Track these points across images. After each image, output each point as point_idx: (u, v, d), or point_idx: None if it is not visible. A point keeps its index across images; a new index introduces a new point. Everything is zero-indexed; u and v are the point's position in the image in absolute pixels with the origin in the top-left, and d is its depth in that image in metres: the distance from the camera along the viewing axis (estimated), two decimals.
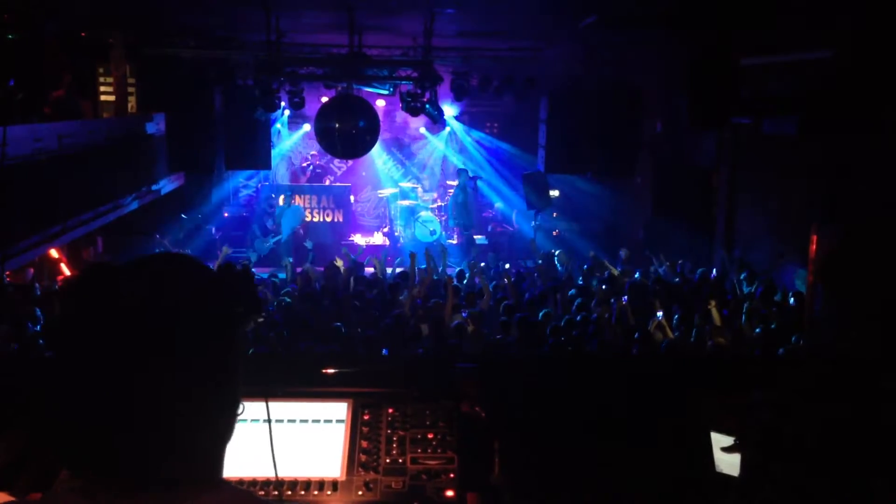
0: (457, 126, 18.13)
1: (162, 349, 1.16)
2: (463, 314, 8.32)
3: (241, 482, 2.26)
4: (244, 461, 2.23)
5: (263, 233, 16.22)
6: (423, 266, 10.84)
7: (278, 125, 17.24)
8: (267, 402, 1.42)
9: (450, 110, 17.03)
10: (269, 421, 1.60)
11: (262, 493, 2.25)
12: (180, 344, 1.18)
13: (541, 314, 8.58)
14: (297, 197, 16.63)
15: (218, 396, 1.24)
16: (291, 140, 18.03)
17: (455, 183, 17.30)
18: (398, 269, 11.29)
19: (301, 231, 16.02)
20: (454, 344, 7.34)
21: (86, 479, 1.19)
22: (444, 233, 16.70)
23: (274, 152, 15.94)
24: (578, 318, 8.32)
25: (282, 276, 11.03)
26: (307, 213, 16.50)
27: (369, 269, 11.67)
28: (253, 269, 11.87)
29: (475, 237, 16.78)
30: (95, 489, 1.17)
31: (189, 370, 1.18)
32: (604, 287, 9.76)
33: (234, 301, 1.27)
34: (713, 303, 8.26)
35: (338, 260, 11.56)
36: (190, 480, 1.21)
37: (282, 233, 15.68)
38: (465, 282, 10.55)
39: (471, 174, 16.51)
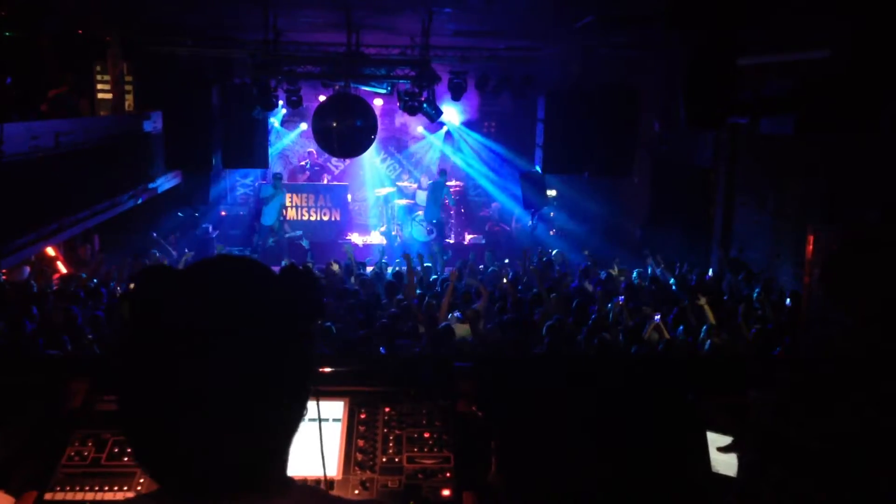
0: (454, 126, 18.11)
1: (227, 350, 1.16)
2: (457, 314, 8.31)
3: None
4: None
5: (262, 231, 16.24)
6: (419, 267, 10.86)
7: (273, 120, 17.21)
8: (318, 401, 1.42)
9: (451, 111, 17.02)
10: (318, 420, 1.59)
11: None
12: (246, 344, 1.18)
13: (537, 314, 8.58)
14: (294, 196, 16.61)
15: (288, 398, 1.24)
16: (288, 138, 18.01)
17: (454, 184, 17.39)
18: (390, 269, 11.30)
19: (286, 226, 16.02)
20: (451, 343, 7.34)
21: (164, 483, 1.20)
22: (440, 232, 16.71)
23: (270, 150, 15.89)
24: (574, 318, 8.32)
25: None
26: (304, 211, 16.49)
27: (370, 269, 11.69)
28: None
29: (469, 236, 16.81)
30: (173, 494, 1.19)
31: (255, 371, 1.18)
32: (600, 288, 9.77)
33: (300, 303, 1.27)
34: (703, 299, 8.26)
35: (333, 264, 11.56)
36: (264, 481, 1.22)
37: (264, 217, 15.64)
38: (462, 281, 10.55)
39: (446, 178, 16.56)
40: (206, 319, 1.17)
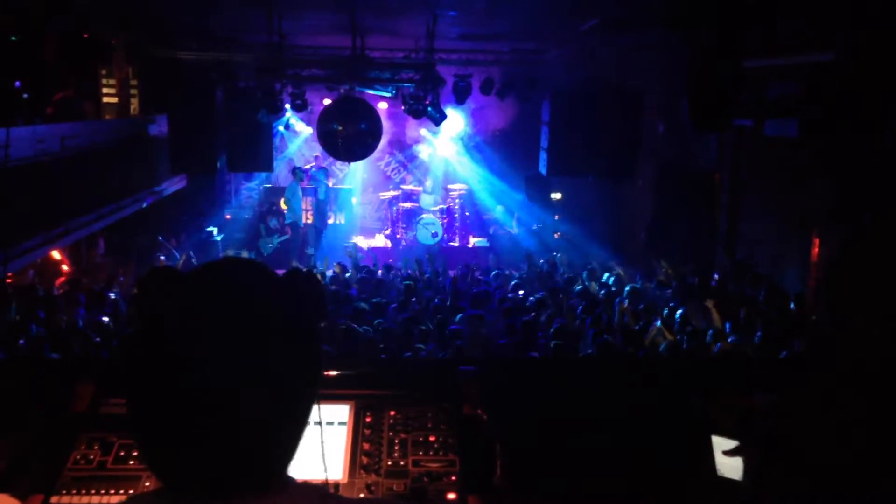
0: (458, 129, 18.11)
1: (235, 352, 1.17)
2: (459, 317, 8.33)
3: None
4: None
5: (268, 232, 16.25)
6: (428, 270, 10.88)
7: (280, 128, 17.27)
8: (318, 405, 1.43)
9: (455, 116, 17.01)
10: (320, 423, 1.60)
11: None
12: (252, 346, 1.19)
13: (543, 317, 8.58)
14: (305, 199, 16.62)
15: (293, 400, 1.24)
16: (294, 145, 18.02)
17: (458, 187, 17.38)
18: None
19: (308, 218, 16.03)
20: (456, 346, 7.34)
21: (169, 484, 1.21)
22: (445, 235, 16.71)
23: (278, 158, 16.00)
24: (579, 321, 8.32)
25: None
26: (308, 215, 16.50)
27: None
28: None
29: (474, 239, 16.79)
30: (179, 494, 1.20)
31: (261, 373, 1.19)
32: (603, 291, 9.76)
33: (304, 305, 1.27)
34: (711, 301, 8.26)
35: (337, 266, 11.57)
36: (267, 481, 1.23)
37: (292, 212, 15.62)
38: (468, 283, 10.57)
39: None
40: (211, 322, 1.18)
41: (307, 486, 1.30)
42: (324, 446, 1.71)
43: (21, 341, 7.00)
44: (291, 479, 1.29)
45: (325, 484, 2.22)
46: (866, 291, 1.75)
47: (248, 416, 1.17)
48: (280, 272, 1.33)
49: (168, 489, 1.21)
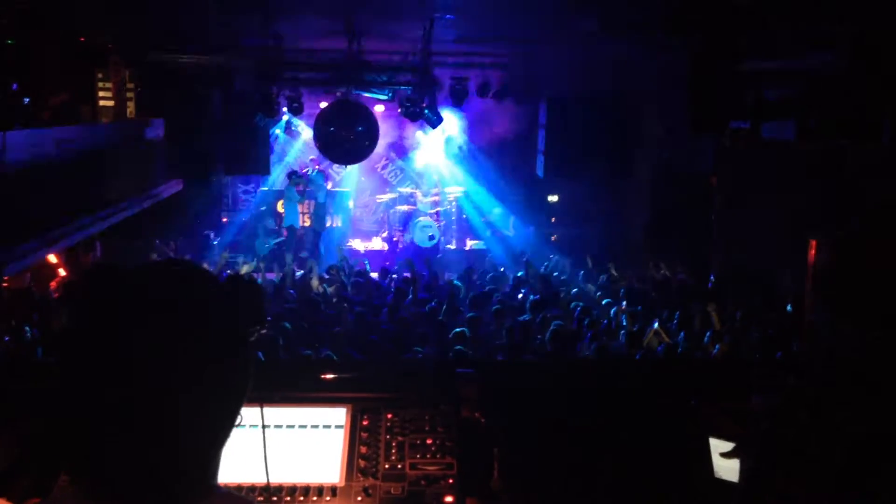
0: (455, 132, 18.09)
1: (166, 354, 1.16)
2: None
3: (239, 488, 2.25)
4: (246, 467, 2.21)
5: (265, 235, 16.25)
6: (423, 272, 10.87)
7: (277, 130, 17.25)
8: (262, 408, 1.42)
9: (451, 118, 17.00)
10: (263, 427, 1.61)
11: (261, 498, 2.25)
12: (185, 350, 1.18)
13: (540, 319, 8.58)
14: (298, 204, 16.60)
15: (219, 404, 1.23)
16: (294, 149, 17.98)
17: (455, 190, 17.39)
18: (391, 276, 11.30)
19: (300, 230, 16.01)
20: (454, 349, 7.34)
21: (83, 485, 1.19)
22: (442, 238, 16.70)
23: (279, 161, 15.97)
24: (577, 323, 8.32)
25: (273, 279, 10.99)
26: (305, 218, 16.49)
27: (373, 275, 11.69)
28: (254, 273, 11.91)
29: (471, 242, 16.79)
30: (93, 496, 1.17)
31: (192, 377, 1.18)
32: (601, 293, 9.77)
33: (239, 311, 1.27)
34: (713, 306, 8.26)
35: (332, 269, 11.57)
36: (188, 487, 1.20)
37: (292, 220, 15.58)
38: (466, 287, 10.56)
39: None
40: (147, 322, 1.17)
41: (231, 495, 1.29)
42: (266, 451, 1.70)
43: (13, 343, 6.99)
44: (217, 487, 1.27)
45: (268, 489, 2.22)
46: (863, 294, 1.74)
47: (179, 419, 1.16)
48: (275, 276, 1.32)
49: (83, 493, 1.19)
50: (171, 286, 1.24)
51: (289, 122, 17.15)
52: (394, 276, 11.74)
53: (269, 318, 8.11)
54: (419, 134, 18.04)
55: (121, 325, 1.16)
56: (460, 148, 17.96)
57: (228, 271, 11.57)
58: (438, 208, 17.35)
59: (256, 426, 2.33)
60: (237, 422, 1.28)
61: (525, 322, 8.15)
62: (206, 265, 12.12)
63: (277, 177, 17.66)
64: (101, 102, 13.55)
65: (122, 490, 1.16)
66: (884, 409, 1.61)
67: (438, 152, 18.24)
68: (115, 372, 1.14)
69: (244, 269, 11.10)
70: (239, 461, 2.16)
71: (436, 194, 17.70)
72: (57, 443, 1.19)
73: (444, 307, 8.96)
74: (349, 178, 18.29)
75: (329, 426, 2.46)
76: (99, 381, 1.14)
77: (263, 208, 17.07)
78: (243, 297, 1.28)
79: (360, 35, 11.53)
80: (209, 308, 1.23)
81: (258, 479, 2.26)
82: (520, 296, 10.10)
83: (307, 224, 16.38)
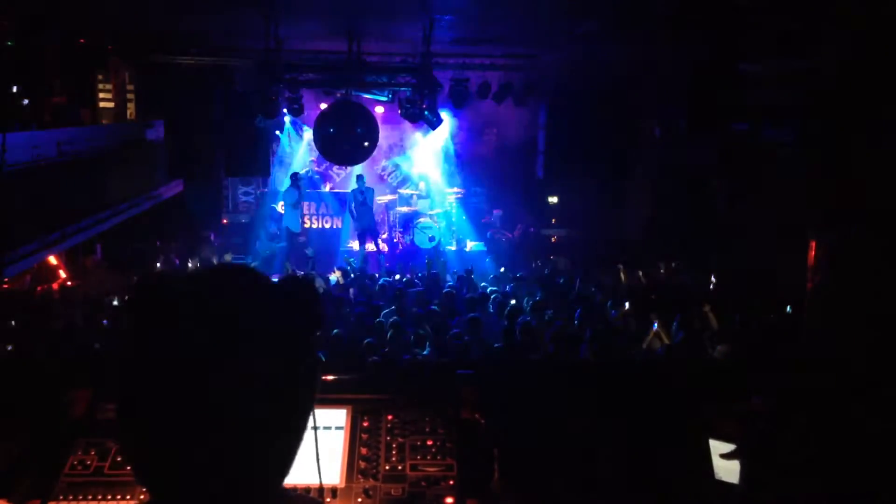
0: (454, 132, 18.10)
1: (235, 359, 1.14)
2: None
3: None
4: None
5: (266, 237, 16.24)
6: (423, 273, 10.86)
7: (277, 132, 17.26)
8: (313, 411, 1.42)
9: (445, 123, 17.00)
10: (315, 428, 1.59)
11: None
12: (256, 354, 1.16)
13: (541, 320, 8.58)
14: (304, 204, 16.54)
15: (288, 408, 1.22)
16: (297, 153, 17.94)
17: (455, 190, 17.39)
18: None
19: (302, 237, 15.96)
20: (454, 350, 7.34)
21: (162, 495, 1.17)
22: (442, 239, 16.70)
23: (285, 161, 15.90)
24: (577, 324, 8.32)
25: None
26: (305, 219, 16.48)
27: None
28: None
29: (471, 243, 16.79)
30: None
31: (266, 381, 1.17)
32: (601, 294, 9.77)
33: (301, 314, 1.25)
34: (708, 306, 8.26)
35: (336, 271, 11.57)
36: (264, 493, 1.20)
37: (291, 223, 15.47)
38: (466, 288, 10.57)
39: (365, 183, 16.18)
40: (207, 327, 1.15)
41: (304, 499, 1.28)
42: (319, 452, 1.69)
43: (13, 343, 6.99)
44: (287, 491, 1.26)
45: (321, 490, 2.21)
46: (861, 295, 1.75)
47: (247, 423, 1.15)
48: (275, 278, 1.31)
49: (159, 500, 1.18)
50: (230, 289, 1.22)
51: (295, 122, 17.16)
52: (396, 276, 11.75)
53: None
54: (419, 135, 18.03)
55: (187, 331, 1.15)
56: (453, 155, 18.00)
57: None
58: (438, 209, 17.35)
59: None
60: (310, 425, 1.27)
61: (525, 323, 8.14)
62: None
63: (278, 178, 17.69)
64: (102, 104, 13.57)
65: (199, 496, 1.15)
66: (880, 410, 1.61)
67: (437, 153, 18.25)
68: (186, 379, 1.13)
69: None
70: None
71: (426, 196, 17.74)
72: (132, 453, 1.17)
73: (444, 308, 8.96)
74: (350, 180, 18.28)
75: (329, 427, 2.46)
76: (162, 395, 1.13)
77: (264, 211, 17.06)
78: (301, 297, 1.26)
79: (360, 36, 11.54)
80: (267, 312, 1.21)
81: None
82: (519, 296, 10.10)
83: (308, 225, 16.39)
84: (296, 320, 1.24)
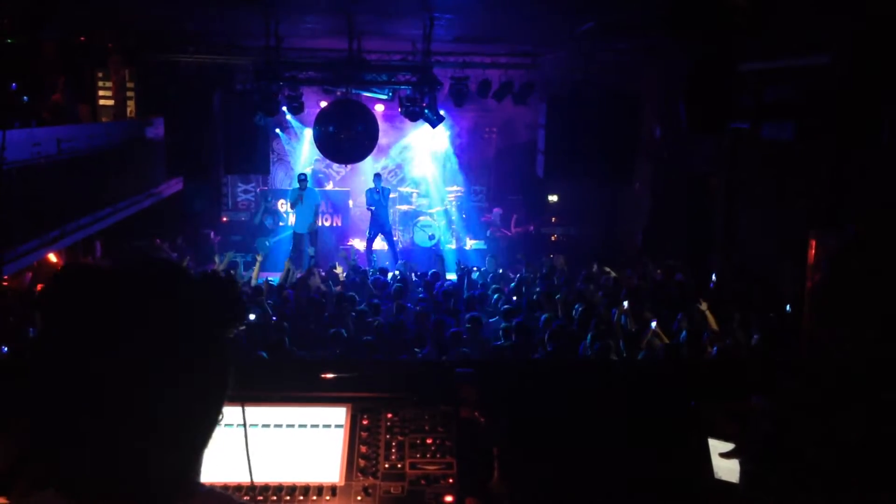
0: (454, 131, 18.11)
1: (143, 352, 1.15)
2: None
3: (239, 487, 2.25)
4: (239, 466, 2.21)
5: (265, 234, 16.24)
6: (421, 272, 10.85)
7: (278, 130, 17.26)
8: (243, 407, 1.42)
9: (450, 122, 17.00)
10: (244, 426, 1.61)
11: (261, 497, 2.25)
12: (161, 348, 1.17)
13: (541, 319, 8.58)
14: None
15: (198, 402, 1.22)
16: (299, 155, 17.90)
17: (454, 189, 17.38)
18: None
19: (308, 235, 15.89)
20: (454, 349, 7.34)
21: (64, 486, 1.17)
22: (442, 237, 16.71)
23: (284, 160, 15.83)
24: (577, 323, 8.32)
25: (274, 280, 10.96)
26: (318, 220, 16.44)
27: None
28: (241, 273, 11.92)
29: (471, 241, 16.78)
30: (74, 496, 1.16)
31: (170, 375, 1.17)
32: (601, 293, 9.76)
33: (216, 307, 1.26)
34: (705, 304, 8.27)
35: (337, 266, 11.56)
36: (168, 486, 1.20)
37: (297, 225, 15.29)
38: (465, 287, 10.57)
39: (382, 182, 16.02)
40: (121, 321, 1.16)
41: (214, 493, 1.28)
42: (249, 450, 1.70)
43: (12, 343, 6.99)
44: (200, 486, 1.27)
45: (253, 488, 2.21)
46: (860, 295, 1.75)
47: (158, 418, 1.16)
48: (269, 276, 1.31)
49: (59, 492, 1.17)
50: (142, 286, 1.22)
51: (287, 122, 17.15)
52: (396, 273, 11.75)
53: (251, 318, 8.08)
54: (419, 134, 18.02)
55: (91, 326, 1.15)
56: (453, 154, 18.00)
57: (232, 271, 11.56)
58: (438, 208, 17.36)
59: (256, 425, 2.35)
60: (220, 420, 1.27)
61: (525, 322, 8.14)
62: (211, 265, 12.16)
63: (276, 175, 17.69)
64: (101, 102, 13.58)
65: (102, 489, 1.15)
66: (881, 411, 1.61)
67: (437, 152, 18.24)
68: (88, 369, 1.13)
69: (255, 270, 11.07)
70: (236, 461, 2.16)
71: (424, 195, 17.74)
72: (37, 443, 1.18)
73: (444, 307, 8.96)
74: (350, 178, 18.28)
75: (329, 426, 2.46)
76: (73, 380, 1.13)
77: (264, 209, 17.06)
78: (215, 295, 1.26)
79: (360, 35, 11.53)
80: (179, 307, 1.22)
81: (259, 478, 2.26)
82: (518, 296, 10.10)
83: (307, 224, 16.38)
84: (207, 317, 1.24)
